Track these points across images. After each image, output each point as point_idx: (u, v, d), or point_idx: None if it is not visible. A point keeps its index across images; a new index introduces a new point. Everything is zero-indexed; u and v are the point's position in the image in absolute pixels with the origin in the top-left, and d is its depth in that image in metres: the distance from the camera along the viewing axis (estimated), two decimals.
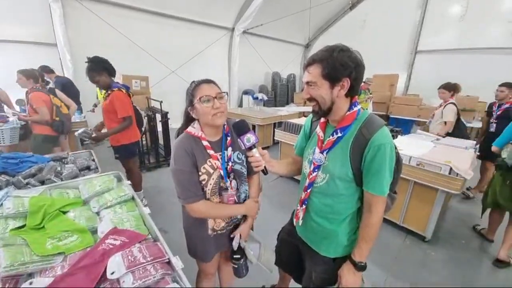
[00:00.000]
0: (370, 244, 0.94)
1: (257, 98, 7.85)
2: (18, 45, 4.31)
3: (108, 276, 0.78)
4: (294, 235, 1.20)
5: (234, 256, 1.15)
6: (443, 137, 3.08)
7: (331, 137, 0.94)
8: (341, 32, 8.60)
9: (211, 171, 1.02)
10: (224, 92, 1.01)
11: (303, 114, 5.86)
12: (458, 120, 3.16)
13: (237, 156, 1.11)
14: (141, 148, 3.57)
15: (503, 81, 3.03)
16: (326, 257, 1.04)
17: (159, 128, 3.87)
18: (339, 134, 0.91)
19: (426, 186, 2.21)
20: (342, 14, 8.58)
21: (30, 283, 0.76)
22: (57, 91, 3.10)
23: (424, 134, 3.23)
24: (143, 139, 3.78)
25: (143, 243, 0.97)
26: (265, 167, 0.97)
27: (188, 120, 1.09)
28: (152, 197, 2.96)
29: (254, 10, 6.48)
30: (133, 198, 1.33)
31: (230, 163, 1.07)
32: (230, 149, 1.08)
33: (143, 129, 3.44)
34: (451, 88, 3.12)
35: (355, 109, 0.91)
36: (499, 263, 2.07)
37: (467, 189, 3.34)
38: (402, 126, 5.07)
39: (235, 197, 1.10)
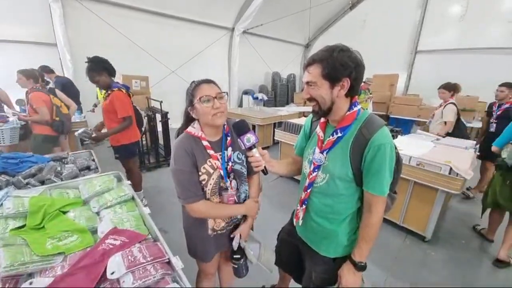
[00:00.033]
0: (370, 244, 0.94)
1: (257, 98, 7.85)
2: (18, 45, 4.31)
3: (108, 276, 0.78)
4: (294, 235, 1.20)
5: (234, 256, 1.15)
6: (443, 137, 3.09)
7: (331, 137, 0.94)
8: (341, 32, 8.60)
9: (211, 171, 1.02)
10: (224, 92, 1.00)
11: (303, 114, 5.86)
12: (458, 120, 3.16)
13: (237, 156, 1.11)
14: (141, 148, 3.57)
15: (503, 81, 3.03)
16: (326, 257, 1.04)
17: (159, 128, 3.87)
18: (339, 134, 0.91)
19: (426, 186, 2.21)
20: (342, 14, 8.58)
21: (30, 283, 0.76)
22: (57, 91, 3.10)
23: (424, 134, 3.23)
24: (143, 139, 3.78)
25: (143, 243, 0.97)
26: (265, 167, 0.97)
27: (188, 120, 1.09)
28: (152, 197, 2.96)
29: (254, 10, 6.48)
30: (133, 198, 1.33)
31: (230, 163, 1.07)
32: (230, 149, 1.08)
33: (143, 129, 3.44)
34: (451, 88, 3.13)
35: (355, 109, 0.91)
36: (499, 263, 2.07)
37: (467, 189, 3.34)
38: (402, 126, 5.07)
39: (235, 197, 1.10)
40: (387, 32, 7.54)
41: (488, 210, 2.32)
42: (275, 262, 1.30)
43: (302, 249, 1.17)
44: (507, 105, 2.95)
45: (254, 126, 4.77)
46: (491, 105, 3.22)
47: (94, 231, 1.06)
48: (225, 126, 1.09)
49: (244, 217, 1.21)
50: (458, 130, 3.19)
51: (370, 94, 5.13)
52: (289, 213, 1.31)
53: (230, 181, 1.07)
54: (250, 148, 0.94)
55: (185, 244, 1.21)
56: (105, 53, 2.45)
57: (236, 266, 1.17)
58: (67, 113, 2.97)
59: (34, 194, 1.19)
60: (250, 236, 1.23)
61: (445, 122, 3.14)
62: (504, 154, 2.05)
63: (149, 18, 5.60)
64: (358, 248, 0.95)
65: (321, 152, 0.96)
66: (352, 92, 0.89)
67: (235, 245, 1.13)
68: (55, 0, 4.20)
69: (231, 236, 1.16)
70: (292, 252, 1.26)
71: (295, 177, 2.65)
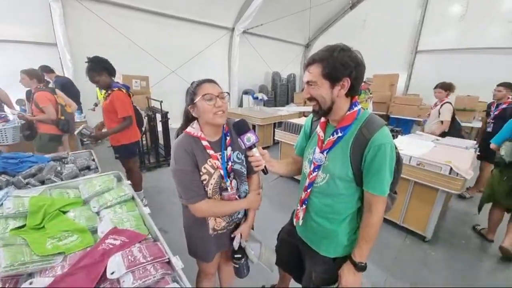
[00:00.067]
0: (370, 244, 0.94)
1: (257, 98, 7.84)
2: (18, 45, 4.31)
3: (108, 276, 0.78)
4: (294, 235, 1.20)
5: (235, 256, 1.15)
6: (442, 136, 3.10)
7: (331, 137, 0.94)
8: (341, 32, 8.60)
9: (212, 171, 1.02)
10: (226, 92, 1.01)
11: (303, 114, 5.86)
12: (453, 119, 3.20)
13: (236, 155, 1.11)
14: (141, 148, 3.57)
15: (503, 81, 3.03)
16: (326, 257, 1.04)
17: (159, 128, 3.87)
18: (339, 134, 0.91)
19: (426, 186, 2.21)
20: (342, 14, 8.59)
21: (30, 283, 0.76)
22: (57, 91, 3.10)
23: (424, 134, 3.24)
24: (143, 139, 3.78)
25: (143, 243, 0.97)
26: (265, 166, 0.97)
27: (188, 120, 1.09)
28: (152, 197, 2.96)
29: (254, 10, 6.48)
30: (133, 198, 1.33)
31: (230, 163, 1.07)
32: (229, 148, 1.08)
33: (143, 129, 3.44)
34: (447, 87, 3.18)
35: (356, 109, 0.91)
36: (502, 249, 2.09)
37: (466, 189, 3.34)
38: (402, 126, 5.08)
39: (236, 197, 1.10)
40: (387, 32, 7.54)
41: (487, 210, 2.32)
42: (275, 262, 1.30)
43: (302, 249, 1.17)
44: (504, 105, 2.95)
45: (254, 126, 4.77)
46: (489, 105, 3.23)
47: (94, 231, 1.06)
48: (224, 126, 1.09)
49: (245, 216, 1.21)
50: (454, 130, 3.22)
51: (370, 94, 5.12)
52: (289, 213, 1.31)
53: (230, 181, 1.07)
54: (250, 148, 0.94)
55: (185, 244, 1.21)
56: (105, 53, 2.45)
57: (237, 266, 1.17)
58: (70, 112, 2.98)
59: (34, 194, 1.18)
60: (251, 235, 1.23)
61: (442, 122, 3.17)
62: (502, 151, 2.07)
63: (149, 18, 5.60)
64: (358, 248, 0.95)
65: (321, 152, 0.95)
66: (353, 92, 0.89)
67: (235, 244, 1.13)
68: (55, 0, 4.20)
69: (232, 236, 1.16)
70: (292, 252, 1.26)
71: (295, 177, 2.66)
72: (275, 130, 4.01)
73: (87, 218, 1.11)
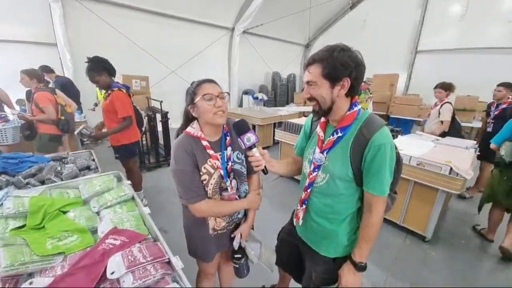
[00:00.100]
0: (370, 244, 0.94)
1: (257, 98, 7.84)
2: (18, 45, 4.31)
3: (108, 276, 0.78)
4: (294, 235, 1.20)
5: (235, 256, 1.15)
6: (442, 136, 3.10)
7: (331, 137, 0.93)
8: (341, 32, 8.60)
9: (212, 171, 1.02)
10: (226, 92, 1.01)
11: (303, 114, 5.86)
12: (453, 119, 3.21)
13: (236, 155, 1.11)
14: (141, 148, 3.57)
15: (503, 81, 3.03)
16: (326, 257, 1.04)
17: (159, 128, 3.87)
18: (339, 134, 0.91)
19: (426, 186, 2.21)
20: (342, 14, 8.58)
21: (30, 283, 0.76)
22: (57, 91, 3.11)
23: (424, 134, 3.24)
24: (143, 139, 3.78)
25: (143, 243, 0.97)
26: (265, 166, 0.97)
27: (188, 120, 1.09)
28: (152, 197, 2.96)
29: (254, 10, 6.48)
30: (133, 198, 1.33)
31: (230, 163, 1.07)
32: (229, 148, 1.08)
33: (143, 129, 3.44)
34: (447, 87, 3.19)
35: (356, 109, 0.91)
36: (502, 249, 2.10)
37: (466, 189, 3.34)
38: (403, 126, 5.08)
39: (236, 197, 1.10)
40: (387, 32, 7.54)
41: (487, 210, 2.32)
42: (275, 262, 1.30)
43: (302, 249, 1.17)
44: (504, 105, 2.95)
45: (254, 126, 4.77)
46: (489, 105, 3.24)
47: (94, 231, 1.06)
48: (224, 126, 1.09)
49: (245, 216, 1.21)
50: (454, 129, 3.23)
51: (370, 94, 5.12)
52: (289, 213, 1.31)
53: (230, 181, 1.07)
54: (250, 148, 0.94)
55: (185, 244, 1.21)
56: (105, 53, 2.45)
57: (237, 266, 1.17)
58: (70, 112, 2.98)
59: (34, 194, 1.18)
60: (251, 235, 1.23)
61: (442, 122, 3.18)
62: (502, 151, 2.08)
63: (149, 18, 5.60)
64: (358, 248, 0.95)
65: (321, 152, 0.95)
66: (353, 92, 0.89)
67: (236, 244, 1.13)
68: (55, 0, 4.20)
69: (232, 235, 1.16)
70: (292, 252, 1.26)
71: (295, 177, 2.65)
72: (275, 130, 4.01)
73: (87, 218, 1.11)
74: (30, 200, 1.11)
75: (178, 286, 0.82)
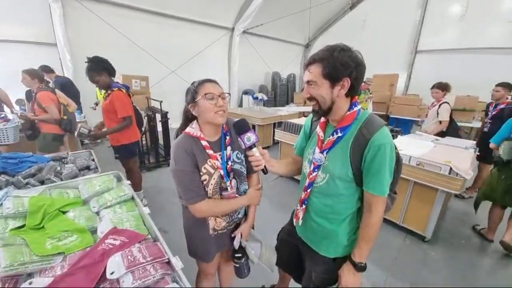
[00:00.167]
0: (370, 244, 0.94)
1: (257, 98, 7.84)
2: (18, 45, 4.31)
3: (108, 276, 0.77)
4: (294, 235, 1.20)
5: (236, 255, 1.15)
6: (441, 136, 3.10)
7: (331, 137, 0.93)
8: (341, 32, 8.61)
9: (212, 171, 1.02)
10: (227, 93, 1.01)
11: (303, 114, 5.86)
12: (451, 119, 3.23)
13: (236, 155, 1.11)
14: (141, 148, 3.57)
15: (503, 81, 3.03)
16: (326, 257, 1.04)
17: (159, 128, 3.87)
18: (339, 134, 0.91)
19: (426, 186, 2.21)
20: (342, 14, 8.59)
21: (30, 283, 0.76)
22: (56, 91, 3.11)
23: (424, 134, 3.25)
24: (143, 139, 3.77)
25: (142, 243, 0.97)
26: (265, 166, 0.97)
27: (187, 120, 1.09)
28: (152, 197, 2.96)
29: (254, 10, 6.48)
30: (133, 198, 1.33)
31: (229, 163, 1.07)
32: (229, 148, 1.08)
33: (143, 129, 3.44)
34: (443, 87, 3.23)
35: (355, 109, 0.91)
36: (503, 243, 2.11)
37: (466, 189, 3.34)
38: (402, 126, 5.07)
39: (236, 197, 1.10)
40: (387, 32, 7.55)
41: (487, 210, 2.33)
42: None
43: (302, 249, 1.17)
44: (502, 105, 2.95)
45: (254, 126, 4.77)
46: (488, 105, 3.24)
47: (93, 231, 1.06)
48: (224, 126, 1.09)
49: (245, 216, 1.21)
50: (452, 129, 3.25)
51: (370, 94, 5.12)
52: (289, 213, 1.31)
53: (230, 181, 1.07)
54: (250, 147, 0.94)
55: (185, 244, 1.21)
56: (105, 53, 2.45)
57: (237, 265, 1.16)
58: (72, 111, 2.99)
59: (33, 194, 1.18)
60: (251, 235, 1.23)
61: (440, 122, 3.20)
62: (500, 150, 2.10)
63: (149, 18, 5.60)
64: (358, 248, 0.95)
65: (321, 152, 0.95)
66: (353, 92, 0.89)
67: (236, 244, 1.13)
68: (55, 0, 4.20)
69: (232, 235, 1.16)
70: (292, 252, 1.26)
71: (295, 177, 2.65)
72: (275, 130, 4.01)
73: (86, 218, 1.11)
74: (30, 200, 1.11)
75: (178, 286, 0.82)
